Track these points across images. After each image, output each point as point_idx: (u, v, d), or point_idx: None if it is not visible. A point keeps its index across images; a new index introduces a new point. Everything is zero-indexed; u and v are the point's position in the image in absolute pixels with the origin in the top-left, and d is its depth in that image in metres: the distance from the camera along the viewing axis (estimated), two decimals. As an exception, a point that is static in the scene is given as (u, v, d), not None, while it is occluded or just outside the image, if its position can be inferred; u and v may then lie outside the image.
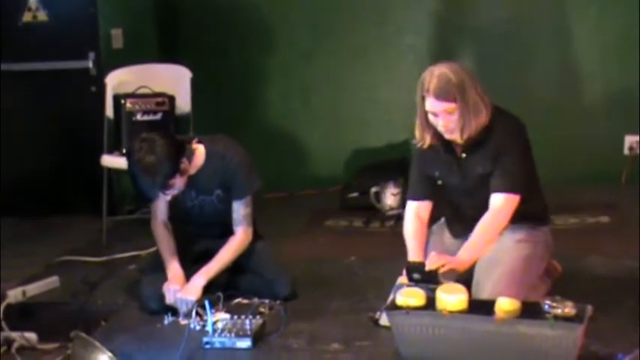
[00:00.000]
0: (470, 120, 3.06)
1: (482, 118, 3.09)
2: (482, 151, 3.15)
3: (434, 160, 3.26)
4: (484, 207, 3.15)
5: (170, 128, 4.53)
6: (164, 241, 3.55)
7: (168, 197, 3.38)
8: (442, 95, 3.03)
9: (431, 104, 3.07)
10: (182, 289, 3.38)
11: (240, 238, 3.53)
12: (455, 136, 3.12)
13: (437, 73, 3.06)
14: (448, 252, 3.18)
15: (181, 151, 3.34)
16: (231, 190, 3.50)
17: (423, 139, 3.20)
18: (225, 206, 3.54)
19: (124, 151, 3.19)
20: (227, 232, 3.55)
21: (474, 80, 3.09)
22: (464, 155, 3.19)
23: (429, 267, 3.01)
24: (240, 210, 3.52)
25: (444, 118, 3.07)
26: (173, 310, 3.39)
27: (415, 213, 3.31)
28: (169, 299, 3.39)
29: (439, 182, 3.28)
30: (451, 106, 3.03)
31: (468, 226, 3.25)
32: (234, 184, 3.49)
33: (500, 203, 3.12)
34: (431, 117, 3.11)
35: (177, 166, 3.29)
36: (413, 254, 3.20)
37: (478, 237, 3.13)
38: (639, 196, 4.75)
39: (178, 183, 3.33)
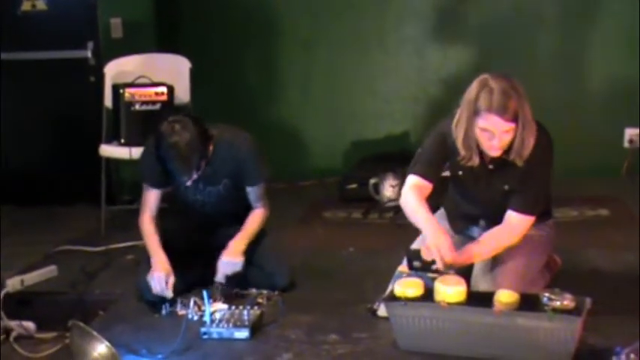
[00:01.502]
0: (528, 138, 2.88)
1: (534, 134, 2.90)
2: (514, 168, 2.97)
3: (462, 164, 3.07)
4: (496, 217, 3.06)
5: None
6: (150, 235, 3.52)
7: (189, 183, 3.33)
8: (507, 114, 2.80)
9: (494, 123, 2.82)
10: (168, 275, 3.33)
11: (261, 212, 3.55)
12: (507, 156, 2.93)
13: (497, 88, 2.81)
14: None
15: (206, 130, 3.33)
16: (239, 178, 3.48)
17: (471, 159, 2.99)
18: (229, 194, 3.51)
19: (156, 135, 3.14)
20: (228, 222, 3.55)
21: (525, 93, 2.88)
22: (491, 167, 3.04)
23: (427, 257, 2.96)
24: (255, 191, 3.52)
25: (500, 137, 2.86)
26: (171, 301, 3.37)
27: (417, 187, 3.09)
28: (155, 288, 3.34)
29: (446, 173, 3.17)
30: (513, 125, 2.84)
31: (470, 224, 3.23)
32: (247, 172, 3.47)
33: (517, 222, 3.01)
34: (481, 133, 2.89)
35: (208, 144, 3.29)
36: (431, 227, 2.97)
37: (484, 245, 3.03)
38: (639, 189, 4.74)
39: (204, 164, 3.31)
